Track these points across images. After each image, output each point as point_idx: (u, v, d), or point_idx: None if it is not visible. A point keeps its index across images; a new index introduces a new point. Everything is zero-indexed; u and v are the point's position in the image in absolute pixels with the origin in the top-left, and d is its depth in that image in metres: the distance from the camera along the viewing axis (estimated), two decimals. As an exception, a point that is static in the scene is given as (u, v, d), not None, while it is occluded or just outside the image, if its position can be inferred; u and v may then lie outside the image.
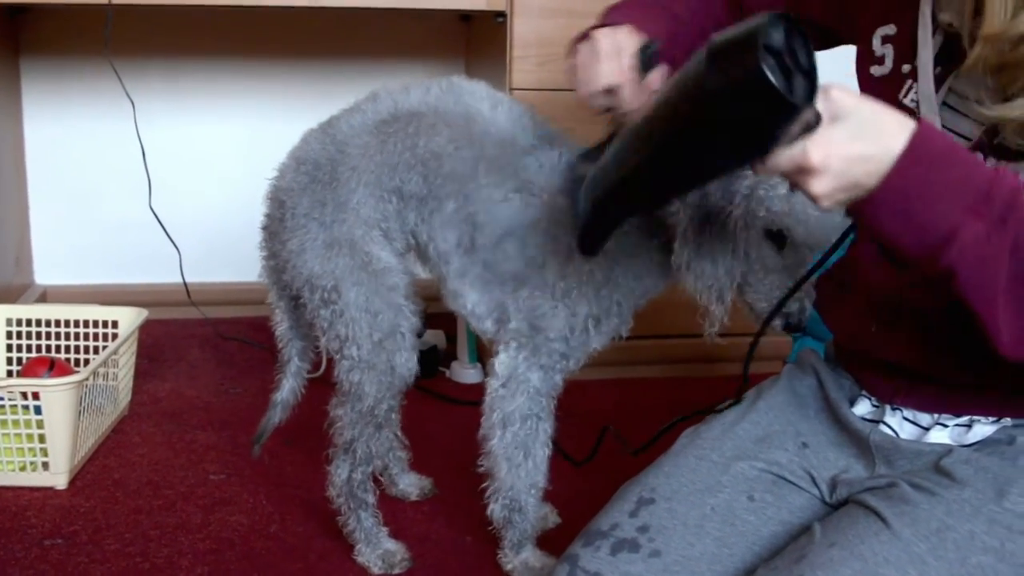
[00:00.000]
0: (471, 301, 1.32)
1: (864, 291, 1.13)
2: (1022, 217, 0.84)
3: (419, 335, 1.36)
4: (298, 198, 1.29)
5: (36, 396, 1.58)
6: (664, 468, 1.17)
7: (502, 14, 1.98)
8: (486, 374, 1.36)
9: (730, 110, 0.82)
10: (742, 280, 1.15)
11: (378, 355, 1.30)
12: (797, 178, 0.86)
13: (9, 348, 1.95)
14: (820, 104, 0.83)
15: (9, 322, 1.95)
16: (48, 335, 1.95)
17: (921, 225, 0.85)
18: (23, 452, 1.60)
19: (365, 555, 1.40)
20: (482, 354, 2.17)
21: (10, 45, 2.37)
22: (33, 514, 1.53)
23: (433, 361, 2.18)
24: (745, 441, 1.18)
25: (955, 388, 1.06)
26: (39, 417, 1.57)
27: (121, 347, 1.81)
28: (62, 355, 1.93)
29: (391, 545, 1.42)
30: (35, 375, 1.77)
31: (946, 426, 1.08)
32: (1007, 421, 1.05)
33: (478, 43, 2.40)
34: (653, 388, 2.17)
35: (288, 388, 1.46)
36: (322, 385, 1.54)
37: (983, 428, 1.06)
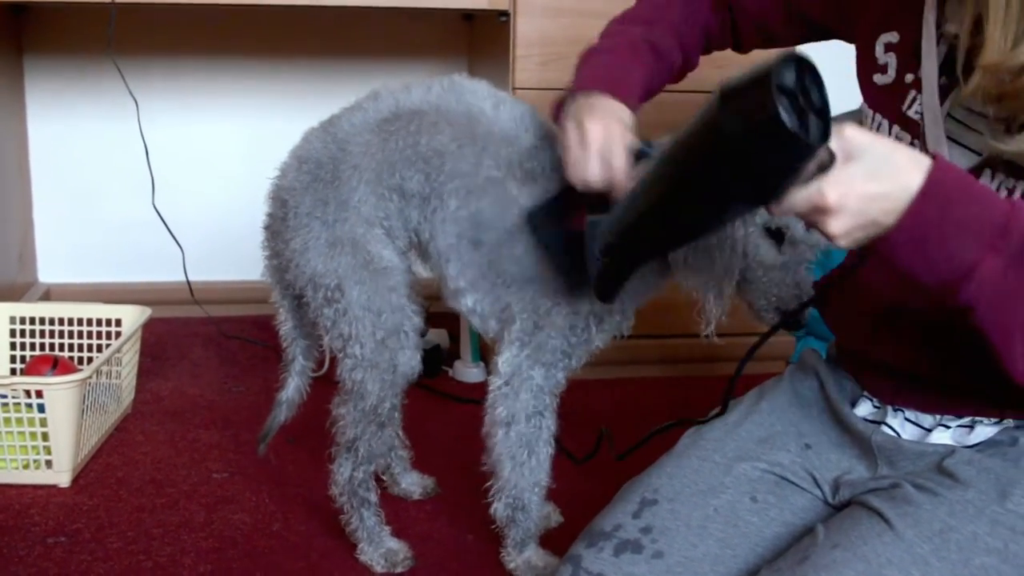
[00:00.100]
0: (473, 300, 1.32)
1: (865, 294, 1.13)
2: None
3: (422, 334, 1.36)
4: (300, 197, 1.29)
5: (39, 394, 1.58)
6: (667, 469, 1.17)
7: (505, 13, 1.98)
8: (489, 373, 1.36)
9: (744, 152, 0.81)
10: (741, 278, 1.15)
11: (381, 354, 1.30)
12: (814, 218, 0.86)
13: (12, 346, 1.95)
14: (834, 143, 0.83)
15: (12, 320, 1.95)
16: (51, 333, 1.95)
17: (938, 261, 0.85)
18: (26, 450, 1.60)
19: (367, 554, 1.40)
20: (485, 353, 2.17)
21: (14, 43, 2.37)
22: (36, 512, 1.53)
23: (436, 360, 2.18)
24: (748, 442, 1.18)
25: (957, 389, 1.06)
26: (42, 415, 1.58)
27: (124, 345, 1.82)
28: (65, 353, 1.94)
29: (393, 544, 1.42)
30: (38, 373, 1.77)
31: (948, 427, 1.08)
32: (1009, 422, 1.05)
33: (481, 42, 2.40)
34: (653, 388, 2.17)
35: (293, 387, 1.46)
36: (325, 384, 1.54)
37: (985, 429, 1.05)
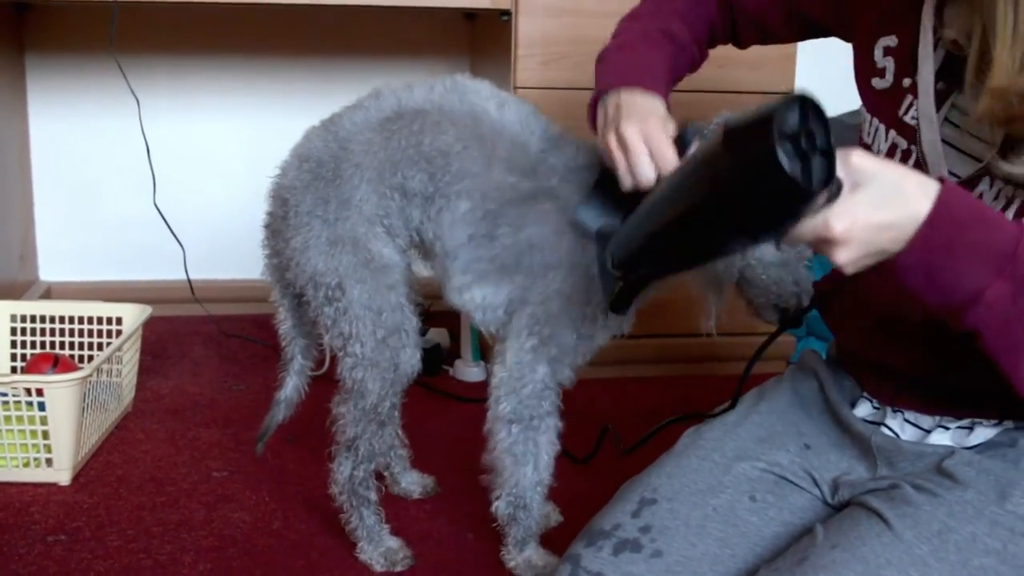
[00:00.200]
0: (479, 296, 1.32)
1: (865, 296, 1.13)
2: None
3: (422, 333, 1.36)
4: (301, 196, 1.29)
5: (40, 392, 1.58)
6: (666, 468, 1.17)
7: (507, 12, 1.98)
8: (489, 372, 1.36)
9: (747, 194, 0.81)
10: (740, 275, 1.15)
11: (381, 352, 1.30)
12: (820, 247, 0.86)
13: (13, 344, 1.95)
14: (840, 171, 0.82)
15: (13, 318, 1.95)
16: (52, 331, 1.95)
17: (946, 286, 0.85)
18: (27, 448, 1.60)
19: (367, 553, 1.40)
20: (485, 352, 2.17)
21: (15, 42, 2.37)
22: (36, 510, 1.53)
23: (436, 359, 2.18)
24: (747, 442, 1.18)
25: (956, 392, 1.06)
26: (43, 413, 1.58)
27: (125, 344, 1.82)
28: (66, 351, 1.94)
29: (393, 543, 1.42)
30: (39, 371, 1.77)
31: (948, 428, 1.08)
32: (1009, 424, 1.05)
33: (482, 41, 2.40)
34: (654, 387, 2.17)
35: (292, 386, 1.46)
36: (325, 383, 1.54)
37: (985, 430, 1.05)
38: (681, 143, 1.12)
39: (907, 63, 1.07)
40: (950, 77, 1.02)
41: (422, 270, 1.38)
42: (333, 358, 1.36)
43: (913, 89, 1.05)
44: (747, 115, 0.81)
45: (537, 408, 1.31)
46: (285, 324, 1.43)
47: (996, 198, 0.98)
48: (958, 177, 1.01)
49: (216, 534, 1.48)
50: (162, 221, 2.40)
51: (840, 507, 1.11)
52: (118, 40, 2.23)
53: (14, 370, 1.93)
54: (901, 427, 1.10)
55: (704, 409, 1.28)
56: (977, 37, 0.93)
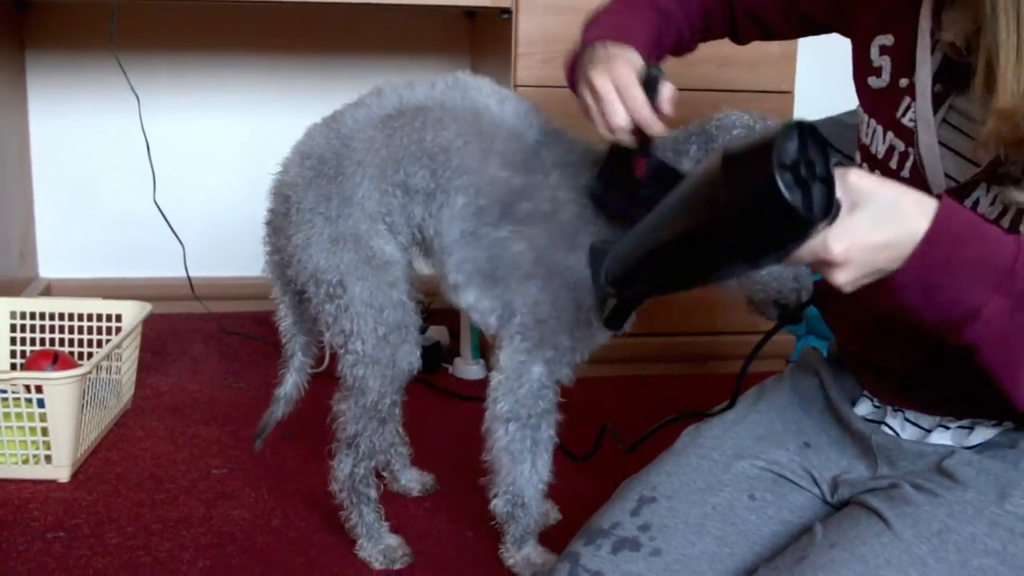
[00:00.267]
0: (474, 295, 1.32)
1: (864, 297, 1.13)
2: None
3: (422, 331, 1.36)
4: (303, 193, 1.29)
5: (39, 389, 1.58)
6: (665, 466, 1.17)
7: (507, 11, 1.98)
8: (489, 370, 1.36)
9: (747, 222, 0.80)
10: None
11: (383, 350, 1.30)
12: (818, 268, 0.86)
13: (13, 341, 1.95)
14: (838, 190, 0.82)
15: (13, 315, 1.95)
16: (52, 328, 1.95)
17: (944, 303, 0.85)
18: (26, 445, 1.60)
19: (366, 550, 1.41)
20: (485, 350, 2.17)
21: (16, 39, 2.37)
22: (36, 507, 1.53)
23: (436, 357, 2.18)
24: (746, 440, 1.17)
25: (957, 393, 1.06)
26: (42, 410, 1.58)
27: (124, 341, 1.82)
28: (66, 348, 1.94)
29: (392, 540, 1.42)
30: (39, 368, 1.77)
31: (948, 428, 1.08)
32: (1009, 424, 1.05)
33: (483, 40, 2.40)
34: (654, 385, 2.17)
35: (291, 383, 1.46)
36: (324, 380, 1.54)
37: (985, 430, 1.05)
38: (648, 86, 1.12)
39: (904, 63, 1.06)
40: (948, 79, 1.02)
41: (423, 267, 1.38)
42: (333, 355, 1.36)
43: (910, 90, 1.05)
44: (746, 142, 0.81)
45: (535, 407, 1.31)
46: (286, 321, 1.43)
47: (992, 204, 0.98)
48: (956, 181, 1.00)
49: (215, 531, 1.48)
50: (162, 218, 2.40)
51: (839, 506, 1.11)
52: (118, 37, 2.23)
53: (14, 367, 1.93)
54: (902, 426, 1.10)
55: (704, 407, 1.28)
56: (983, 54, 0.91)
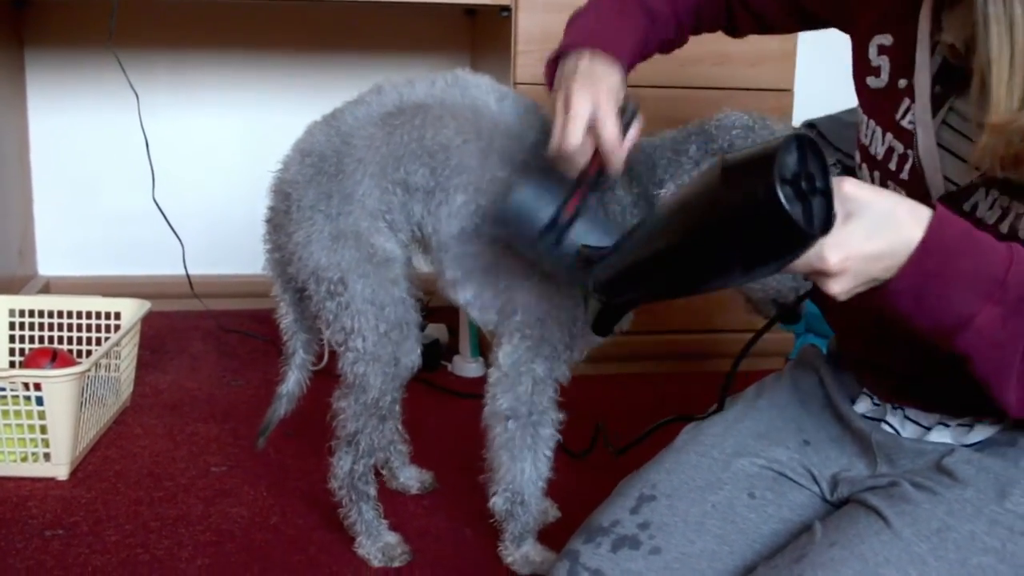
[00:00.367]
0: (473, 291, 1.32)
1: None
2: None
3: (420, 329, 1.36)
4: (303, 190, 1.29)
5: (38, 387, 1.58)
6: (665, 464, 1.17)
7: (507, 8, 1.98)
8: (488, 367, 1.36)
9: (745, 234, 0.80)
10: None
11: (384, 347, 1.30)
12: (813, 278, 0.86)
13: (12, 339, 1.95)
14: (834, 201, 0.82)
15: (12, 313, 1.95)
16: (51, 326, 1.95)
17: (936, 311, 0.86)
18: (24, 443, 1.60)
19: (365, 547, 1.41)
20: (484, 348, 2.17)
21: (15, 36, 2.37)
22: (34, 505, 1.53)
23: (435, 355, 2.18)
24: (746, 438, 1.17)
25: (956, 391, 1.05)
26: (41, 408, 1.58)
27: (123, 339, 1.82)
28: (64, 346, 1.94)
29: (391, 538, 1.42)
30: (37, 366, 1.77)
31: (948, 426, 1.08)
32: (1008, 422, 1.05)
33: (482, 38, 2.40)
34: (650, 384, 2.17)
35: (293, 380, 1.46)
36: (323, 377, 1.54)
37: (985, 428, 1.05)
38: (623, 118, 1.10)
39: (903, 64, 1.06)
40: (948, 81, 1.01)
41: (421, 265, 1.38)
42: (332, 353, 1.36)
43: (910, 91, 1.05)
44: (745, 153, 0.81)
45: (534, 404, 1.31)
46: (286, 319, 1.43)
47: (991, 208, 0.98)
48: (956, 185, 1.00)
49: (214, 529, 1.48)
50: (161, 216, 2.40)
51: (839, 504, 1.11)
52: (117, 35, 2.23)
53: (12, 364, 1.93)
54: (901, 424, 1.10)
55: (702, 405, 1.28)
56: (976, 69, 0.90)
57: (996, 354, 0.86)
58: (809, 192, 0.79)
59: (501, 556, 1.41)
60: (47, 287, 2.48)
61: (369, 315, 1.29)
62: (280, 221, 1.33)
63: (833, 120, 2.23)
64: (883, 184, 1.08)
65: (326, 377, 1.44)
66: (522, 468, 1.33)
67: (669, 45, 1.34)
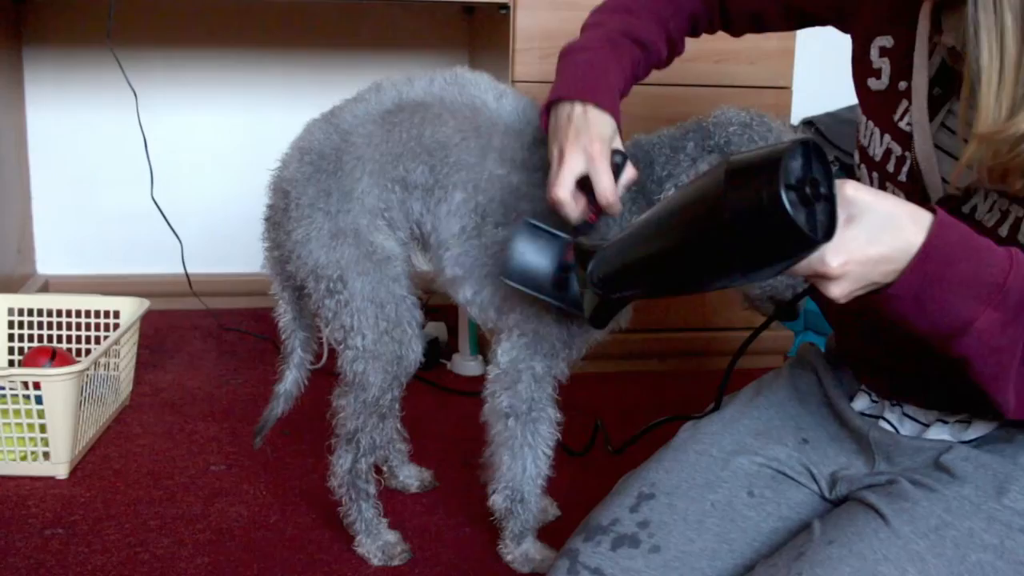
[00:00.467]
0: (472, 289, 1.32)
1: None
2: None
3: (421, 327, 1.36)
4: (303, 188, 1.29)
5: (37, 386, 1.58)
6: (664, 463, 1.17)
7: (505, 6, 1.98)
8: (487, 366, 1.36)
9: (748, 238, 0.80)
10: None
11: (384, 345, 1.30)
12: (814, 280, 0.86)
13: (11, 338, 1.95)
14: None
15: (11, 312, 1.95)
16: (50, 325, 1.95)
17: (936, 315, 0.86)
18: (24, 442, 1.60)
19: (365, 546, 1.41)
20: (483, 346, 2.17)
21: (13, 34, 2.37)
22: (34, 504, 1.53)
23: (434, 353, 2.18)
24: (745, 436, 1.17)
25: (954, 390, 1.06)
26: (40, 407, 1.57)
27: (122, 337, 1.81)
28: (64, 345, 1.94)
29: (391, 536, 1.42)
30: (36, 365, 1.77)
31: (946, 423, 1.08)
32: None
33: (481, 35, 2.40)
34: (649, 382, 2.17)
35: (291, 379, 1.46)
36: (322, 376, 1.54)
37: (983, 425, 1.05)
38: (615, 166, 1.15)
39: (903, 66, 1.06)
40: (947, 83, 1.01)
41: (421, 263, 1.38)
42: (332, 351, 1.36)
43: (908, 93, 1.05)
44: (750, 156, 0.81)
45: (534, 402, 1.31)
46: (285, 317, 1.43)
47: (990, 210, 0.98)
48: (955, 187, 1.00)
49: (213, 528, 1.48)
50: (160, 215, 2.40)
51: (838, 502, 1.11)
52: (115, 33, 2.23)
53: (12, 363, 1.93)
54: (900, 421, 1.10)
55: (700, 403, 1.28)
56: (966, 79, 0.90)
57: (995, 358, 0.87)
58: (813, 198, 0.79)
59: (501, 554, 1.41)
60: (46, 286, 2.48)
61: (369, 313, 1.29)
62: (279, 219, 1.33)
63: (832, 117, 2.23)
64: (882, 185, 1.08)
65: (326, 375, 1.44)
66: (522, 466, 1.33)
67: (665, 61, 1.35)
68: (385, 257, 1.29)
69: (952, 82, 1.01)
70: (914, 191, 1.04)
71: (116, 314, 1.92)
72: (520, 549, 1.39)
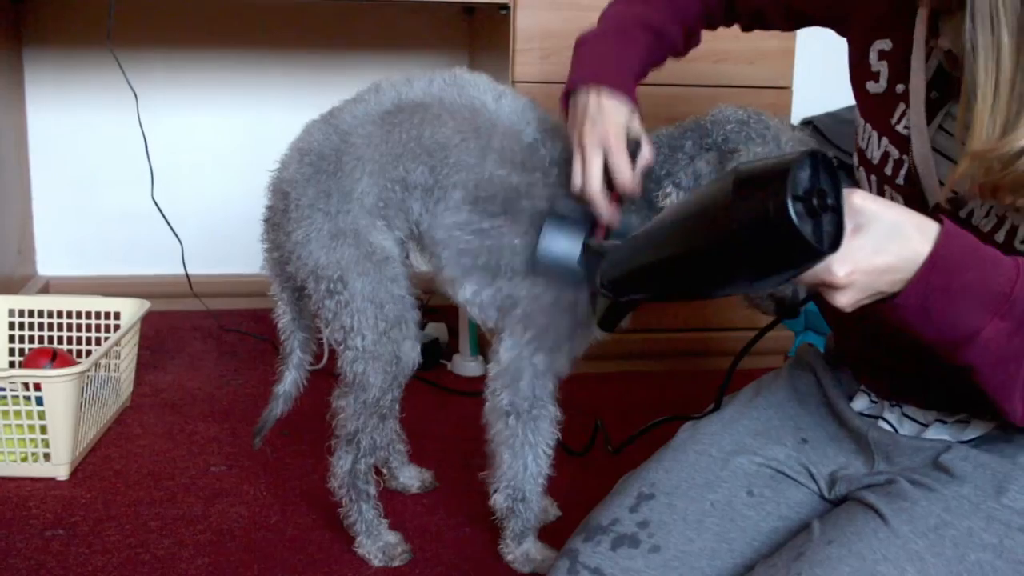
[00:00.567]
0: (472, 289, 1.32)
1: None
2: None
3: (421, 327, 1.37)
4: (302, 189, 1.29)
5: (38, 387, 1.58)
6: (664, 463, 1.17)
7: (505, 6, 1.98)
8: (488, 366, 1.36)
9: (756, 248, 0.81)
10: None
11: (384, 345, 1.30)
12: (820, 289, 0.86)
13: (11, 339, 1.95)
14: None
15: (11, 313, 1.95)
16: (50, 326, 1.95)
17: (942, 325, 0.86)
18: (25, 443, 1.60)
19: (365, 547, 1.41)
20: (483, 347, 2.17)
21: (13, 35, 2.37)
22: (34, 505, 1.53)
23: (434, 354, 2.18)
24: (744, 436, 1.18)
25: (954, 390, 1.06)
26: (41, 408, 1.58)
27: (123, 338, 1.82)
28: (64, 346, 1.94)
29: (392, 537, 1.42)
30: (37, 366, 1.77)
31: (945, 422, 1.08)
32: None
33: (481, 36, 2.40)
34: (649, 382, 2.17)
35: (290, 380, 1.46)
36: (323, 376, 1.54)
37: (982, 425, 1.05)
38: (631, 150, 1.18)
39: (901, 69, 1.06)
40: (944, 87, 1.01)
41: (421, 265, 1.38)
42: (332, 352, 1.36)
43: (906, 96, 1.05)
44: (759, 166, 0.81)
45: (535, 399, 1.31)
46: (284, 318, 1.43)
47: (987, 215, 0.98)
48: (952, 192, 1.00)
49: (214, 529, 1.48)
50: (160, 215, 2.40)
51: (837, 502, 1.11)
52: (115, 34, 2.23)
53: (12, 364, 1.93)
54: (899, 421, 1.11)
55: (701, 403, 1.28)
56: (962, 96, 0.90)
57: (1002, 367, 0.87)
58: (820, 209, 0.79)
59: (502, 554, 1.41)
60: (46, 287, 2.48)
61: (368, 313, 1.29)
62: (278, 220, 1.33)
63: (832, 117, 2.23)
64: (880, 188, 1.09)
65: (326, 376, 1.44)
66: (523, 464, 1.34)
67: (680, 51, 1.36)
68: (384, 257, 1.29)
69: (949, 86, 1.00)
70: (912, 195, 1.04)
71: (116, 315, 1.92)
72: (521, 549, 1.39)
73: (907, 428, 1.10)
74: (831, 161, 0.81)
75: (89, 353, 1.89)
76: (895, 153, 1.06)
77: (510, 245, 1.28)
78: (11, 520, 1.48)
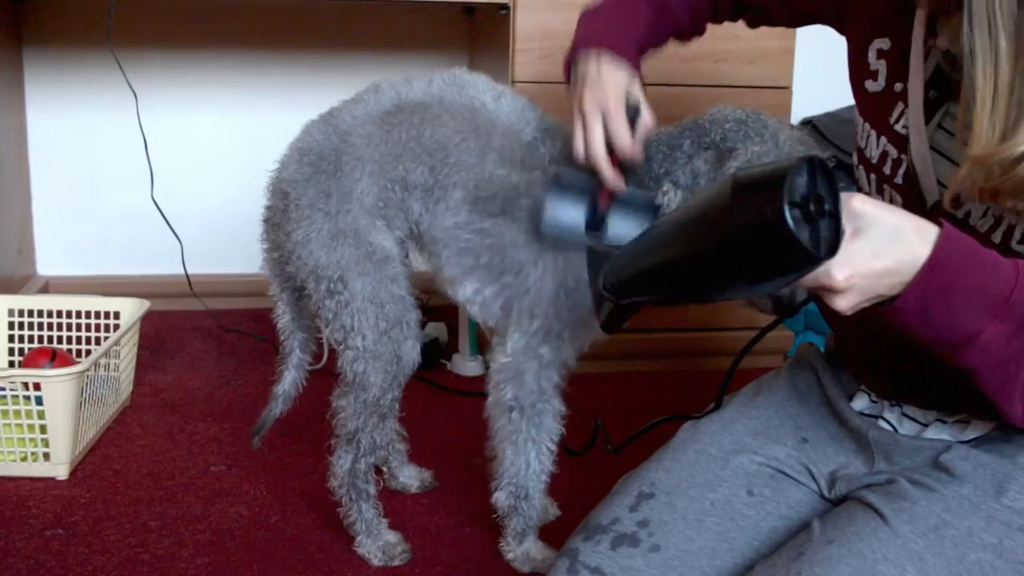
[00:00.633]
0: (473, 288, 1.32)
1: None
2: None
3: (421, 327, 1.36)
4: (302, 189, 1.29)
5: (37, 387, 1.58)
6: (664, 462, 1.17)
7: (505, 6, 1.98)
8: (488, 365, 1.36)
9: (753, 253, 0.81)
10: None
11: (384, 345, 1.30)
12: (820, 293, 0.86)
13: (11, 339, 1.95)
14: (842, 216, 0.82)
15: (11, 312, 1.95)
16: (50, 326, 1.95)
17: (942, 327, 0.86)
18: (24, 443, 1.60)
19: (365, 546, 1.41)
20: (483, 346, 2.17)
21: (13, 35, 2.37)
22: (34, 504, 1.53)
23: (434, 354, 2.18)
24: (744, 435, 1.18)
25: (954, 390, 1.06)
26: (40, 408, 1.58)
27: (123, 338, 1.82)
28: (64, 346, 1.94)
29: (391, 537, 1.42)
30: (37, 366, 1.77)
31: (945, 422, 1.08)
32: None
33: (481, 36, 2.40)
34: (649, 382, 2.17)
35: (290, 380, 1.46)
36: (323, 376, 1.54)
37: (982, 424, 1.05)
38: (631, 115, 1.19)
39: (899, 67, 1.06)
40: (943, 86, 1.01)
41: (421, 264, 1.38)
42: (332, 352, 1.36)
43: (904, 95, 1.04)
44: (757, 171, 0.81)
45: (540, 393, 1.31)
46: (284, 318, 1.43)
47: (984, 216, 0.98)
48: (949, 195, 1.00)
49: (213, 528, 1.48)
50: (160, 215, 2.40)
51: (837, 501, 1.11)
52: (115, 34, 2.23)
53: (12, 364, 1.93)
54: (899, 420, 1.10)
55: (701, 403, 1.28)
56: (961, 99, 0.90)
57: (1001, 369, 0.87)
58: (817, 214, 0.79)
59: (502, 552, 1.41)
60: (46, 287, 2.48)
61: (369, 313, 1.29)
62: (278, 220, 1.33)
63: (832, 117, 2.23)
64: (879, 188, 1.09)
65: (325, 376, 1.44)
66: (526, 461, 1.34)
67: (685, 33, 1.36)
68: (384, 257, 1.29)
69: (948, 85, 1.00)
70: (910, 194, 1.04)
71: (116, 315, 1.92)
72: (522, 548, 1.39)
73: (907, 428, 1.10)
74: (829, 166, 0.82)
75: (89, 353, 1.89)
76: (893, 152, 1.06)
77: (512, 243, 1.28)
78: (11, 520, 1.48)
